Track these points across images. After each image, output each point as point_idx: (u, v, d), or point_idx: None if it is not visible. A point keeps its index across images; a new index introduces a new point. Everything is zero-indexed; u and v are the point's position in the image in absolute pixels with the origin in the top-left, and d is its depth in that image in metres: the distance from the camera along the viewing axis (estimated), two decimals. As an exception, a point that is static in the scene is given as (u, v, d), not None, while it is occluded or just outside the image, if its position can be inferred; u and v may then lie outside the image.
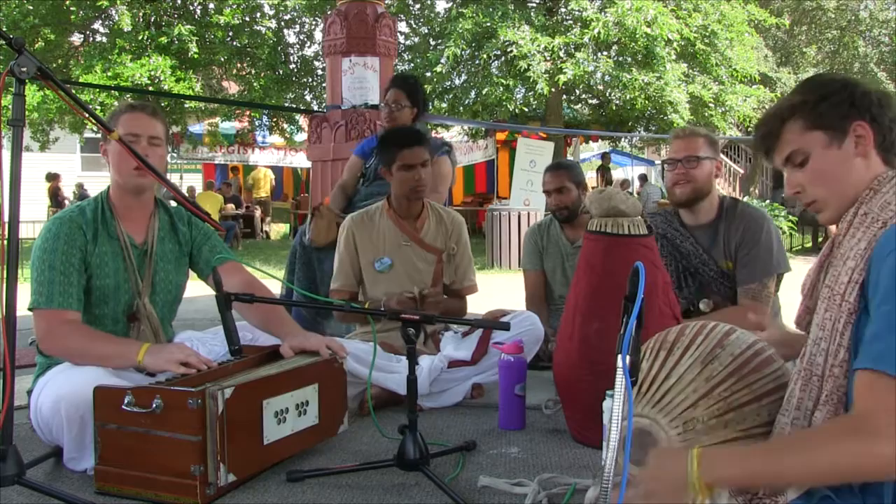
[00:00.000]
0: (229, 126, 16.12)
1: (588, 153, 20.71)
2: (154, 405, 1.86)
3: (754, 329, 2.15)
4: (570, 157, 13.41)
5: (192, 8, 13.27)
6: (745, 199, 12.53)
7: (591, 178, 16.56)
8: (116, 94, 11.29)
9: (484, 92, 11.28)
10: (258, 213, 15.49)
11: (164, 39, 11.76)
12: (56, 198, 15.39)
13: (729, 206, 2.84)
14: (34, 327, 2.19)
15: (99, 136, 2.38)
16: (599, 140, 18.70)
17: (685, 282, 2.85)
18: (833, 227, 1.40)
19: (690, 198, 2.79)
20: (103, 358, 2.11)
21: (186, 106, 13.40)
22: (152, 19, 12.60)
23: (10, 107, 1.68)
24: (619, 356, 1.23)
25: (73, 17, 12.22)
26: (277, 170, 18.09)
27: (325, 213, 3.66)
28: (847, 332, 1.24)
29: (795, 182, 1.39)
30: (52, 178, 15.53)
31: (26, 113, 2.03)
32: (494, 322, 2.47)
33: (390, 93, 3.72)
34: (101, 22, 13.20)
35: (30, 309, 2.19)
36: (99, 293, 2.28)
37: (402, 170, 2.93)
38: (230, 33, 12.93)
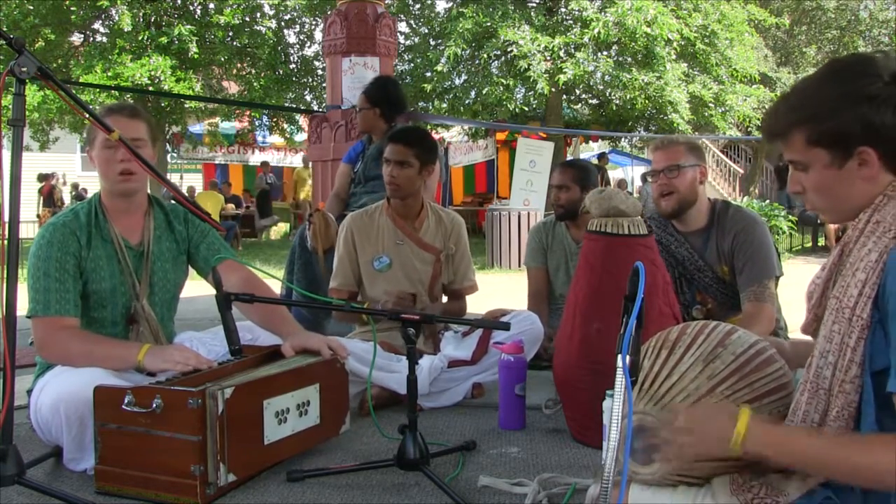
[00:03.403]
0: (229, 126, 16.14)
1: (588, 153, 20.70)
2: (154, 405, 1.85)
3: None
4: (569, 157, 13.40)
5: (192, 8, 13.29)
6: (746, 199, 12.52)
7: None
8: (116, 94, 11.30)
9: (484, 92, 11.29)
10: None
11: (164, 39, 11.78)
12: (51, 198, 15.24)
13: (720, 210, 2.80)
14: (33, 335, 2.19)
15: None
16: (599, 140, 18.68)
17: (681, 288, 2.83)
18: (831, 226, 1.40)
19: (676, 209, 2.76)
20: (103, 361, 2.11)
21: (186, 106, 13.43)
22: (152, 19, 12.62)
23: (10, 107, 1.68)
24: (619, 356, 1.23)
25: (73, 17, 12.25)
26: (277, 170, 18.09)
27: (319, 219, 3.66)
28: (860, 347, 1.22)
29: (798, 182, 1.35)
30: (45, 178, 15.39)
31: (26, 113, 2.03)
32: (495, 322, 2.47)
33: (358, 98, 4.02)
34: (101, 22, 13.24)
35: (28, 317, 2.19)
36: (96, 297, 2.27)
37: (383, 163, 3.00)
38: (230, 33, 12.95)
